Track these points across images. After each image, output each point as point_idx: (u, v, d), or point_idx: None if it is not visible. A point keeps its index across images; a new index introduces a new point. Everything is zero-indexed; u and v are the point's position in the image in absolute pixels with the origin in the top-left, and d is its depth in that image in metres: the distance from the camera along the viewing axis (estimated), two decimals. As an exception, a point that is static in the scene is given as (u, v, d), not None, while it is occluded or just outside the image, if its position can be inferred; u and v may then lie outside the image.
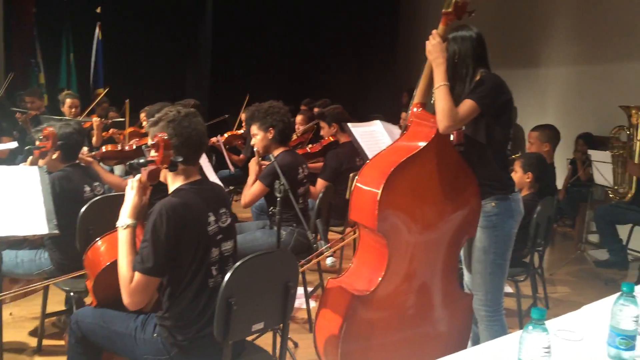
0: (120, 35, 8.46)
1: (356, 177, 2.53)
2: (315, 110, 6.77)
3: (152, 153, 2.03)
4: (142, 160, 1.99)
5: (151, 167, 1.98)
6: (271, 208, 3.26)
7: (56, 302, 3.43)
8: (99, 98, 6.32)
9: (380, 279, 2.38)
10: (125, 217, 2.01)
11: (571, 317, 1.91)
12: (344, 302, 2.40)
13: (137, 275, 1.93)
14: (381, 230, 2.35)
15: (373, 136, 3.26)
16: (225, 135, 6.09)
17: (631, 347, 1.57)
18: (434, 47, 2.43)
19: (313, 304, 3.74)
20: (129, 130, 4.94)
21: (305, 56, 9.13)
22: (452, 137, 2.56)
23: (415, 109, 2.62)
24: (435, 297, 2.58)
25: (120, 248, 1.99)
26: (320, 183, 4.20)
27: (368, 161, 2.62)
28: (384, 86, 9.04)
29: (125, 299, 1.94)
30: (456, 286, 2.64)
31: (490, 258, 2.52)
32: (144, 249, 1.93)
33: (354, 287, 2.43)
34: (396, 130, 3.49)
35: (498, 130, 2.48)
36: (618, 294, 1.61)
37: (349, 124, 3.30)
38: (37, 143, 3.03)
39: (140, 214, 2.04)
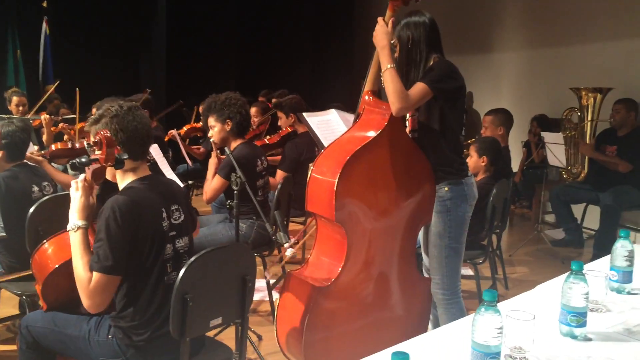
0: (69, 29, 8.19)
1: (311, 168, 2.51)
2: (273, 100, 6.71)
3: (96, 152, 1.97)
4: (84, 160, 1.92)
5: (95, 165, 1.92)
6: (229, 201, 3.22)
7: (10, 306, 3.33)
8: (47, 94, 6.11)
9: (340, 269, 2.38)
10: (75, 219, 1.95)
11: (525, 297, 1.95)
12: (305, 294, 2.39)
13: (96, 275, 1.86)
14: (339, 220, 2.35)
15: (329, 125, 3.24)
16: (184, 128, 5.98)
17: (582, 324, 1.61)
18: (377, 32, 2.45)
19: (276, 296, 3.73)
20: (79, 125, 4.79)
21: (262, 46, 9.04)
22: (407, 125, 2.57)
23: (366, 97, 2.63)
24: (394, 282, 2.59)
25: (74, 251, 1.92)
26: (280, 174, 4.18)
27: (322, 151, 2.61)
28: (343, 74, 9.04)
29: (85, 301, 1.87)
30: (414, 271, 2.67)
31: (446, 242, 2.56)
32: (100, 248, 1.87)
33: (314, 278, 2.42)
34: (352, 119, 3.47)
35: (451, 116, 2.50)
36: (568, 272, 1.65)
37: (304, 114, 3.28)
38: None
39: (90, 214, 1.98)
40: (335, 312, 2.40)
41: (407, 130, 2.57)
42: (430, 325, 2.75)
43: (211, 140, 3.47)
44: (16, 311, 3.35)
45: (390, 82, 2.36)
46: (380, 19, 2.48)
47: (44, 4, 7.73)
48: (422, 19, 2.51)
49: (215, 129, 3.45)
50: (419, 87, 2.37)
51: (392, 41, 2.47)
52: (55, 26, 8.00)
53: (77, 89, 5.06)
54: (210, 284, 1.98)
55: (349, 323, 2.45)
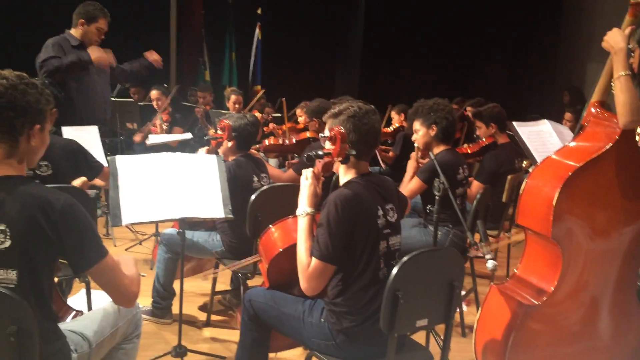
0: (278, 35, 8.93)
1: (525, 180, 2.42)
2: (468, 109, 6.58)
3: (328, 145, 2.12)
4: (320, 152, 2.08)
5: (327, 159, 2.07)
6: (428, 206, 3.22)
7: (220, 283, 3.70)
8: (258, 95, 6.70)
9: (552, 288, 2.26)
10: (304, 205, 2.12)
11: None
12: (511, 310, 2.30)
13: (315, 261, 2.02)
14: (555, 237, 2.22)
15: (541, 137, 3.10)
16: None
17: None
18: (611, 34, 2.25)
19: (465, 307, 3.66)
20: (288, 125, 5.19)
21: (457, 53, 8.92)
22: (638, 138, 2.36)
23: (593, 109, 2.45)
24: (609, 310, 2.39)
25: (299, 235, 2.10)
26: (476, 185, 4.08)
27: (539, 163, 2.49)
28: (542, 84, 8.55)
29: (303, 283, 2.05)
30: (633, 301, 2.43)
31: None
32: (321, 237, 2.02)
33: (522, 295, 2.32)
34: (566, 131, 3.29)
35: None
36: None
37: (515, 123, 3.16)
38: (214, 134, 3.31)
39: (317, 203, 2.14)
40: (542, 333, 2.28)
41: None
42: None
43: (415, 145, 3.51)
44: (226, 287, 3.73)
45: (622, 91, 2.16)
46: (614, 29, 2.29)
47: (259, 11, 8.51)
48: None
49: (419, 133, 3.48)
50: None
51: (630, 46, 2.26)
52: (266, 32, 8.75)
53: (283, 99, 5.48)
54: (420, 284, 2.02)
55: (555, 347, 2.31)
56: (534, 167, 2.56)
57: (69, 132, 3.61)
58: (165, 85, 6.78)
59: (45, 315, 1.73)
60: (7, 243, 1.62)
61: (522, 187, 2.40)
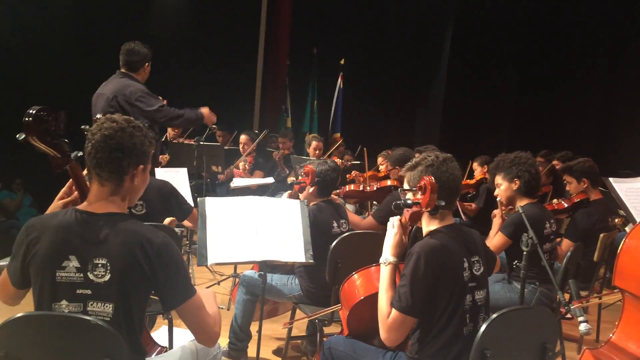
0: (359, 84, 9.10)
1: (624, 240, 2.28)
2: (555, 163, 6.35)
3: (409, 196, 2.09)
4: (409, 202, 2.05)
5: (415, 209, 2.04)
6: (515, 262, 3.09)
7: (296, 328, 3.67)
8: (338, 143, 6.79)
9: (651, 356, 2.10)
10: (388, 254, 2.10)
11: None
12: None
13: (394, 312, 1.98)
14: (657, 301, 2.07)
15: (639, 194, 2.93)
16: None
17: None
18: None
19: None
20: (369, 173, 5.22)
21: (543, 102, 8.68)
22: None
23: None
24: None
25: (381, 284, 2.07)
26: (567, 243, 3.89)
27: (638, 222, 2.35)
28: (635, 140, 8.11)
29: (382, 334, 2.00)
30: None
31: None
32: (402, 288, 1.98)
33: (617, 360, 2.17)
34: (668, 189, 3.09)
35: None
36: None
37: (611, 179, 3.01)
38: (299, 179, 3.36)
39: (402, 253, 2.10)
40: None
41: None
42: None
43: (498, 199, 3.42)
44: (302, 332, 3.70)
45: None
46: None
47: (342, 62, 8.74)
48: None
49: (501, 187, 3.40)
50: None
51: None
52: (347, 81, 8.95)
53: (365, 148, 5.54)
54: (510, 344, 1.92)
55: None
56: (631, 225, 2.43)
57: (161, 173, 3.79)
58: (256, 131, 7.05)
59: (135, 350, 1.78)
60: (107, 277, 1.70)
61: (620, 247, 2.27)
